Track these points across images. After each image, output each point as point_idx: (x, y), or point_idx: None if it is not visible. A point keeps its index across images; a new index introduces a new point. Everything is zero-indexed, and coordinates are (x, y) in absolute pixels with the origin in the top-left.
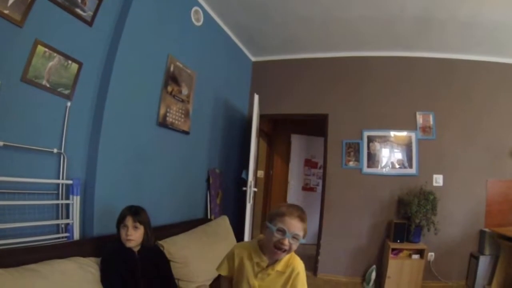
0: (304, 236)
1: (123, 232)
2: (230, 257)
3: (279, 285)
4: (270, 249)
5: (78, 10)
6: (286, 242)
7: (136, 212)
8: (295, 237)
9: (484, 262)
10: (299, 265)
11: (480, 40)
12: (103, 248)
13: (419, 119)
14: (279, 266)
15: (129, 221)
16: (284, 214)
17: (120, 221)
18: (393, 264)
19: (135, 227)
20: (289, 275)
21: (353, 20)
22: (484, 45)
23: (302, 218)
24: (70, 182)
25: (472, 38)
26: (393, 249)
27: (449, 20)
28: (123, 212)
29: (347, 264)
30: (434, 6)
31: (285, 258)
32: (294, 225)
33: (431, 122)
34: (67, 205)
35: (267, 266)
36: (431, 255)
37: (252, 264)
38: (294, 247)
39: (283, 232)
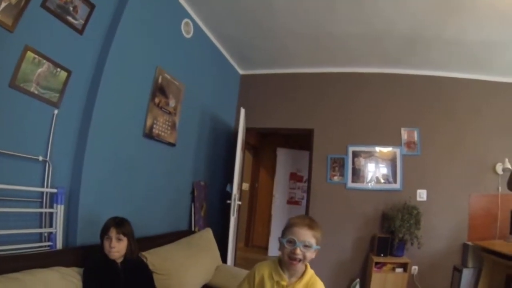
0: (317, 243)
1: (106, 244)
2: (250, 276)
3: None
4: (286, 262)
5: (70, 18)
6: (298, 251)
7: (120, 224)
8: (306, 245)
9: (467, 275)
10: (320, 286)
11: (464, 58)
12: (87, 259)
13: (404, 135)
14: (299, 286)
15: (112, 232)
16: (293, 224)
17: (104, 232)
18: (377, 278)
19: (119, 239)
20: None
21: (341, 36)
22: (468, 63)
23: (311, 226)
24: (54, 190)
25: (457, 56)
26: (376, 263)
27: (435, 38)
28: (107, 223)
29: (331, 277)
30: (421, 25)
31: (305, 278)
32: (303, 234)
33: (416, 138)
34: (51, 214)
35: (287, 286)
36: (414, 269)
37: (272, 283)
38: (309, 255)
39: (293, 242)
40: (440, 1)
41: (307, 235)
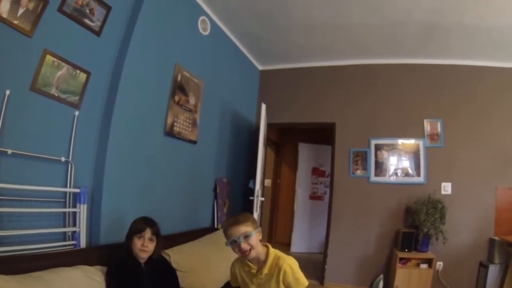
0: (254, 228)
1: (138, 243)
2: (232, 273)
3: (274, 285)
4: (244, 256)
5: (87, 21)
6: (242, 245)
7: (154, 224)
8: (245, 236)
9: (493, 271)
10: (285, 263)
11: (486, 46)
12: (110, 257)
13: (427, 126)
14: (266, 270)
15: (148, 233)
16: (226, 229)
17: (136, 232)
18: (401, 274)
19: (151, 240)
20: (277, 275)
21: (359, 27)
22: (490, 50)
23: (238, 221)
24: (77, 190)
25: (478, 43)
26: (401, 258)
27: (454, 26)
28: (141, 225)
29: (354, 273)
30: (439, 12)
31: (270, 261)
32: (237, 231)
33: (439, 130)
34: (74, 213)
35: (257, 272)
36: (439, 264)
37: (246, 273)
38: (253, 241)
39: (234, 241)
40: None
41: (240, 230)
